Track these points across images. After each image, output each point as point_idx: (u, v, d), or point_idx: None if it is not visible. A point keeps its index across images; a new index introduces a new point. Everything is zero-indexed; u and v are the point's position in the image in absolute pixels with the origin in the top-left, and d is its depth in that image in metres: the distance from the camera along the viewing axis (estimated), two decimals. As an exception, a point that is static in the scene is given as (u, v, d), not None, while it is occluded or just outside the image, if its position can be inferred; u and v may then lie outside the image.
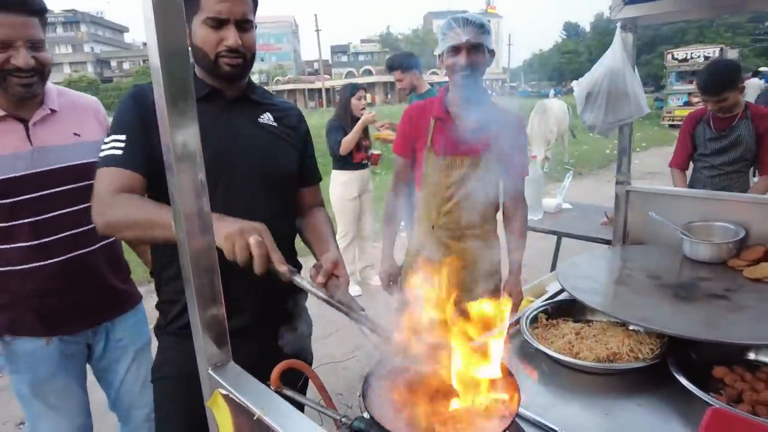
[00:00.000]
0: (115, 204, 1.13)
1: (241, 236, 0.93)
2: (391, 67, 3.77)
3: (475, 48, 1.72)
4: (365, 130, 4.13)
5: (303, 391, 1.31)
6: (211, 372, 0.73)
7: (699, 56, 15.80)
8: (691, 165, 3.12)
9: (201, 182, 0.71)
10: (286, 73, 57.02)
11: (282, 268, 0.94)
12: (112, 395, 1.73)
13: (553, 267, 3.63)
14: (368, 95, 3.90)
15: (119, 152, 1.18)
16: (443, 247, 1.93)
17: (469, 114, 1.85)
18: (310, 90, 50.39)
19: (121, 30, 72.75)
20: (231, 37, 1.19)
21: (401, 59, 3.71)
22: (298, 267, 1.47)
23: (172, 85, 0.66)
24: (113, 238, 1.53)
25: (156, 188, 1.25)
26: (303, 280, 0.94)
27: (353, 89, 4.04)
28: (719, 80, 2.75)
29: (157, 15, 0.63)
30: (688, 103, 15.56)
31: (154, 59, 0.64)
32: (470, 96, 1.83)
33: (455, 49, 1.73)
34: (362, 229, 4.39)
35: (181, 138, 0.68)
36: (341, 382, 2.24)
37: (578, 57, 48.00)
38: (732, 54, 15.87)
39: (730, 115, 2.83)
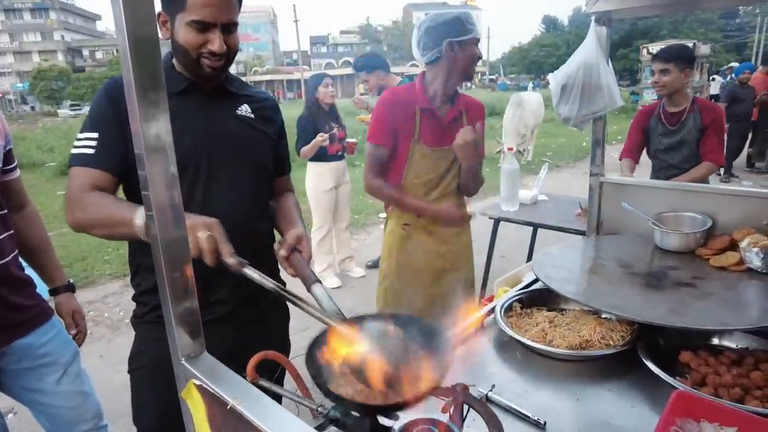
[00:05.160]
0: (83, 203, 1.14)
1: (191, 233, 0.94)
2: (356, 69, 3.80)
3: None
4: (338, 121, 4.13)
5: (280, 382, 1.32)
6: (184, 363, 0.73)
7: (673, 51, 16.05)
8: (651, 165, 3.21)
9: (172, 174, 0.70)
10: (264, 64, 56.40)
11: (230, 260, 0.97)
12: (44, 417, 1.58)
13: (529, 258, 3.69)
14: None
15: (90, 151, 1.18)
16: (428, 234, 1.96)
17: (448, 104, 1.90)
18: (289, 81, 49.93)
19: (93, 18, 70.74)
20: (216, 42, 1.18)
21: (365, 61, 3.77)
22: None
23: (142, 74, 0.65)
24: (13, 255, 1.44)
25: (131, 185, 1.24)
26: (253, 271, 0.96)
27: (318, 79, 4.02)
28: (672, 50, 2.91)
29: (126, 2, 0.62)
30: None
31: (123, 48, 0.63)
32: (458, 85, 1.90)
33: (476, 42, 1.83)
34: (339, 220, 4.39)
35: (153, 129, 0.67)
36: (320, 373, 2.24)
37: (557, 51, 48.48)
38: (704, 49, 16.20)
39: (679, 110, 2.93)
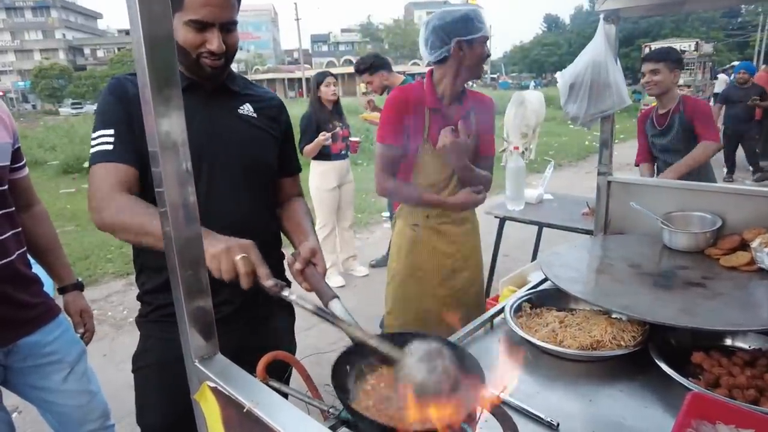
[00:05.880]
0: (111, 204, 1.13)
1: (227, 255, 0.93)
2: (358, 71, 3.77)
3: None
4: (342, 118, 4.11)
5: (287, 382, 1.31)
6: (198, 364, 0.72)
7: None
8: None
9: (187, 171, 0.69)
10: (265, 63, 56.36)
11: (268, 283, 0.95)
12: (50, 416, 1.58)
13: (534, 257, 3.68)
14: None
15: (110, 147, 1.17)
16: (438, 234, 1.95)
17: (457, 103, 1.88)
18: (290, 79, 49.90)
19: (94, 16, 70.75)
20: (215, 42, 1.17)
21: (366, 62, 3.73)
22: (281, 257, 1.47)
23: (157, 72, 0.64)
24: (19, 253, 1.43)
25: (146, 181, 1.24)
26: (291, 294, 0.95)
27: (321, 77, 4.01)
28: (661, 51, 3.04)
29: (141, 1, 0.61)
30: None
31: (138, 46, 0.62)
32: (467, 83, 1.88)
33: (484, 41, 1.80)
34: (343, 219, 4.38)
35: (166, 126, 0.66)
36: (326, 372, 2.24)
37: (558, 49, 48.36)
38: (706, 48, 16.16)
39: (666, 111, 3.01)
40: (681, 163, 2.86)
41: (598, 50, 1.77)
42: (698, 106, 3.01)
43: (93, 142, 1.19)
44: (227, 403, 0.67)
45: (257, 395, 0.64)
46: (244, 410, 0.62)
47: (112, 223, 1.12)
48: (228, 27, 1.20)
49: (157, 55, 0.64)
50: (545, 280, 1.62)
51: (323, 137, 3.85)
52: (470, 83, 2.02)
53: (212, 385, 0.69)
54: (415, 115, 1.86)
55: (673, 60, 2.95)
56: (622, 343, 1.24)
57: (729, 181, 7.61)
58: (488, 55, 1.85)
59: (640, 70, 3.16)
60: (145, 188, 1.24)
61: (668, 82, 2.94)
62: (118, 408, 1.84)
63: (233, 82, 1.35)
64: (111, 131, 1.17)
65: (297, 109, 6.96)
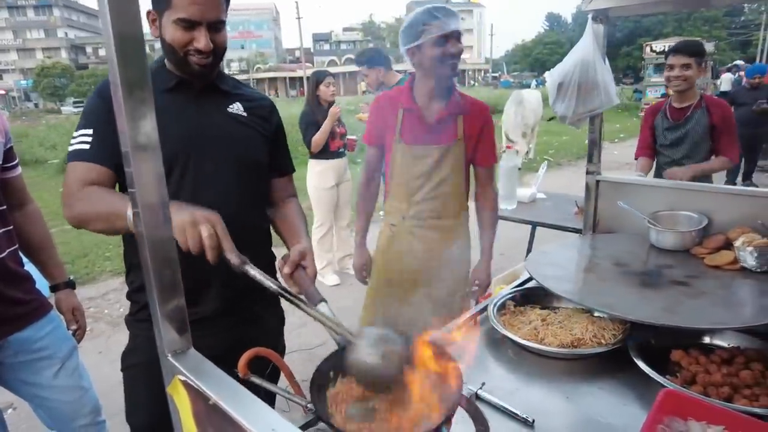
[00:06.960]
0: (81, 197, 1.14)
1: (192, 227, 0.93)
2: (358, 63, 3.78)
3: (459, 36, 1.77)
4: (339, 118, 4.11)
5: (275, 379, 1.32)
6: (170, 359, 0.73)
7: (677, 48, 15.85)
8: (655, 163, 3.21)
9: (159, 171, 0.70)
10: (266, 61, 56.31)
11: (232, 257, 0.95)
12: (42, 411, 1.60)
13: (527, 256, 3.68)
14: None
15: (86, 146, 1.19)
16: (413, 237, 1.94)
17: (437, 104, 1.87)
18: (291, 78, 49.89)
19: (96, 15, 70.63)
20: (202, 40, 1.19)
21: (366, 56, 3.73)
22: (272, 257, 1.48)
23: (128, 73, 0.65)
24: (10, 250, 1.45)
25: (125, 182, 1.25)
26: (253, 269, 0.95)
27: (320, 76, 4.01)
28: (692, 44, 2.94)
29: (111, 2, 0.62)
30: (665, 95, 15.71)
31: (109, 46, 0.64)
32: (444, 85, 1.84)
33: (445, 38, 1.73)
34: (340, 218, 4.39)
35: (139, 127, 0.68)
36: (313, 369, 2.25)
37: (560, 48, 48.29)
38: (709, 47, 16.06)
39: (685, 105, 2.93)
40: (697, 166, 2.81)
41: (587, 50, 1.78)
42: (723, 110, 2.93)
43: (72, 141, 1.21)
44: (197, 396, 0.69)
45: (224, 389, 0.66)
46: (210, 402, 0.63)
47: (83, 213, 1.14)
48: (216, 26, 1.21)
49: (128, 54, 0.65)
50: (531, 278, 1.63)
51: (335, 108, 3.84)
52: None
53: (183, 378, 0.71)
54: (391, 115, 1.88)
55: (702, 54, 2.90)
56: (603, 341, 1.25)
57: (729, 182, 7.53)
58: (455, 53, 1.75)
59: (642, 69, 3.11)
60: (121, 190, 1.26)
61: (696, 77, 2.88)
62: (111, 405, 1.85)
63: (223, 81, 1.37)
64: (90, 131, 1.20)
65: (297, 107, 6.96)
